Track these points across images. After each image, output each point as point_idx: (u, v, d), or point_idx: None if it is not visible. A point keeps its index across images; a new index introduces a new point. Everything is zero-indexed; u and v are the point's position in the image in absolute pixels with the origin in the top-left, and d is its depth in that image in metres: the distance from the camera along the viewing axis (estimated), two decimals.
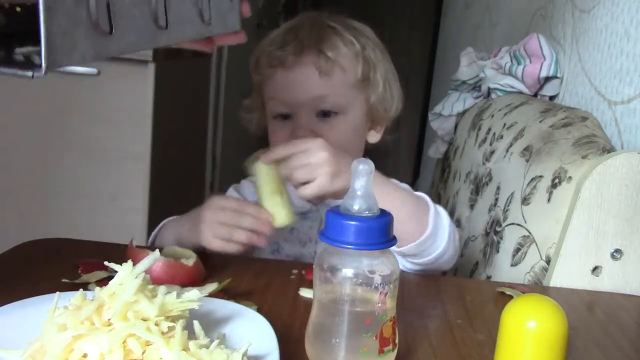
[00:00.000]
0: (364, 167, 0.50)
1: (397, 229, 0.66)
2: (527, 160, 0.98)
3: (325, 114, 0.88)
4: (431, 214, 0.78)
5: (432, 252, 0.79)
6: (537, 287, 0.81)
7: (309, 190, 0.73)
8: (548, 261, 0.83)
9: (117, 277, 0.48)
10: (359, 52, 0.89)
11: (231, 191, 1.01)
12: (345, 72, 0.88)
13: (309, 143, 0.74)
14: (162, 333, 0.46)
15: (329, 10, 0.94)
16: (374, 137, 0.97)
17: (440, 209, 0.81)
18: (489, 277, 0.96)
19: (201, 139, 2.39)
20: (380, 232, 0.50)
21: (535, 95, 1.29)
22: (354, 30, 0.92)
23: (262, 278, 0.73)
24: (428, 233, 0.77)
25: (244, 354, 0.47)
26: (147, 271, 0.49)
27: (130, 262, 0.49)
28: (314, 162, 0.73)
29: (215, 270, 0.72)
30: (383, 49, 0.94)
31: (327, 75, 0.87)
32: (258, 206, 0.76)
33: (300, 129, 0.87)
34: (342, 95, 0.88)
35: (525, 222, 0.91)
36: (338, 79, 0.88)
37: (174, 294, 0.49)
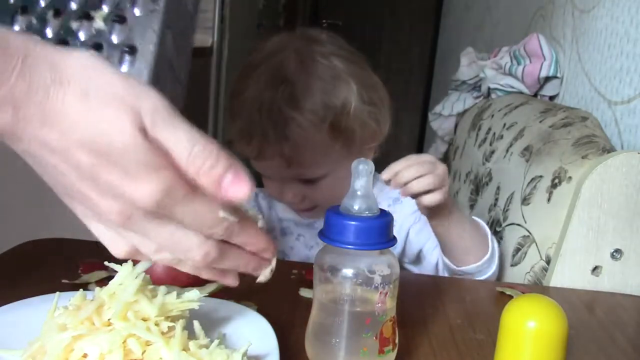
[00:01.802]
0: (364, 167, 0.50)
1: (462, 251, 0.84)
2: (527, 160, 0.98)
3: (308, 181, 0.87)
4: (490, 239, 0.86)
5: (487, 272, 0.86)
6: (537, 287, 0.81)
7: (437, 197, 0.76)
8: (548, 261, 0.83)
9: (117, 277, 0.48)
10: (324, 119, 0.82)
11: None
12: (314, 151, 0.84)
13: (426, 157, 0.77)
14: (162, 333, 0.46)
15: (295, 47, 0.85)
16: (368, 158, 0.94)
17: (489, 233, 0.88)
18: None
19: None
20: (380, 232, 0.50)
21: (535, 95, 1.29)
22: (317, 85, 0.83)
23: None
24: (488, 256, 0.85)
25: (244, 354, 0.47)
26: (147, 272, 0.49)
27: (130, 262, 0.49)
28: (440, 173, 0.76)
29: None
30: (356, 74, 0.86)
31: (298, 165, 0.84)
32: None
33: (286, 194, 0.88)
34: (318, 167, 0.85)
35: (525, 222, 0.91)
36: (308, 160, 0.84)
37: (174, 294, 0.49)
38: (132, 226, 0.39)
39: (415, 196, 0.77)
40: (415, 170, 0.75)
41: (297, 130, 0.82)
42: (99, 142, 0.36)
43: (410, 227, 0.94)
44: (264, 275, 0.48)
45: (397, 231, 0.94)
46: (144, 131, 0.37)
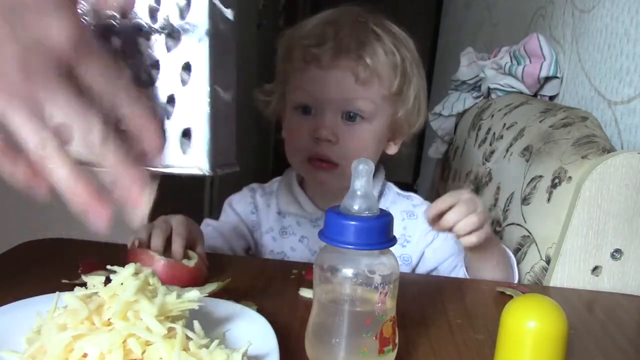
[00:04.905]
0: (364, 167, 0.50)
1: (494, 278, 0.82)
2: (527, 160, 0.98)
3: (350, 117, 0.86)
4: (514, 266, 0.86)
5: None
6: (537, 287, 0.81)
7: (475, 239, 0.75)
8: (548, 261, 0.83)
9: (117, 277, 0.48)
10: (398, 64, 0.86)
11: (226, 208, 1.00)
12: (382, 83, 0.86)
13: (467, 194, 0.76)
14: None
15: (369, 8, 0.90)
16: (392, 149, 0.94)
17: (514, 262, 0.88)
18: None
19: None
20: (380, 232, 0.50)
21: (535, 95, 1.29)
22: (396, 38, 0.88)
23: (262, 278, 0.73)
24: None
25: (244, 354, 0.47)
26: None
27: (131, 265, 0.49)
28: (480, 210, 0.75)
29: (216, 270, 0.72)
30: (419, 62, 0.91)
31: (363, 83, 0.85)
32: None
33: (323, 128, 0.85)
34: (373, 103, 0.86)
35: (525, 222, 0.91)
36: (373, 88, 0.85)
37: (174, 294, 0.49)
38: (38, 86, 0.37)
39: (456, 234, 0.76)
40: (459, 211, 0.74)
41: (379, 50, 0.85)
42: None
43: (427, 246, 0.93)
44: (143, 198, 0.41)
45: (412, 248, 0.93)
46: None
